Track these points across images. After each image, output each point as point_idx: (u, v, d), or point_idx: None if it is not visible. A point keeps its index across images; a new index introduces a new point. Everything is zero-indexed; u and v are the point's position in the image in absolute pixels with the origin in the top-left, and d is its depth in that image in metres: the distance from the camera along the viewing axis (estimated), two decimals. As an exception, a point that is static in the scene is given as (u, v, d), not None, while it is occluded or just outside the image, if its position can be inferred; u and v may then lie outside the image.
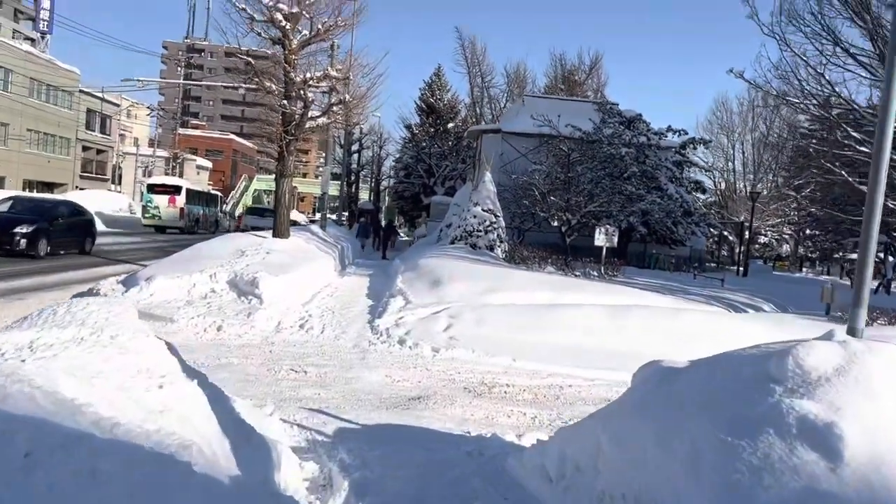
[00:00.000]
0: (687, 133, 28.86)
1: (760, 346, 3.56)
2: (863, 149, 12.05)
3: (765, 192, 41.16)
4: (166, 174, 45.84)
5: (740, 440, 2.69)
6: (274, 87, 15.28)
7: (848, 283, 29.98)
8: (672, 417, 3.16)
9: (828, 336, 3.14)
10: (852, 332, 3.75)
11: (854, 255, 37.50)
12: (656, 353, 8.86)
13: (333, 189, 39.32)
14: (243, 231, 24.97)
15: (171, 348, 3.74)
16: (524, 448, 5.03)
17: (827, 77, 12.43)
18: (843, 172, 12.77)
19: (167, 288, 10.73)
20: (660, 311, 10.71)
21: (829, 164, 13.51)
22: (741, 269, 31.27)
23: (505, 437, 5.44)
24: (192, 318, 9.62)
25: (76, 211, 18.39)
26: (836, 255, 41.29)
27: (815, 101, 12.99)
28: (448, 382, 7.68)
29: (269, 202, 53.96)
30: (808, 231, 40.83)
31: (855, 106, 12.83)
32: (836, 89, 12.41)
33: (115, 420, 2.40)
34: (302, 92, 15.04)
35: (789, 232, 47.28)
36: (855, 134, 12.03)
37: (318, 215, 30.06)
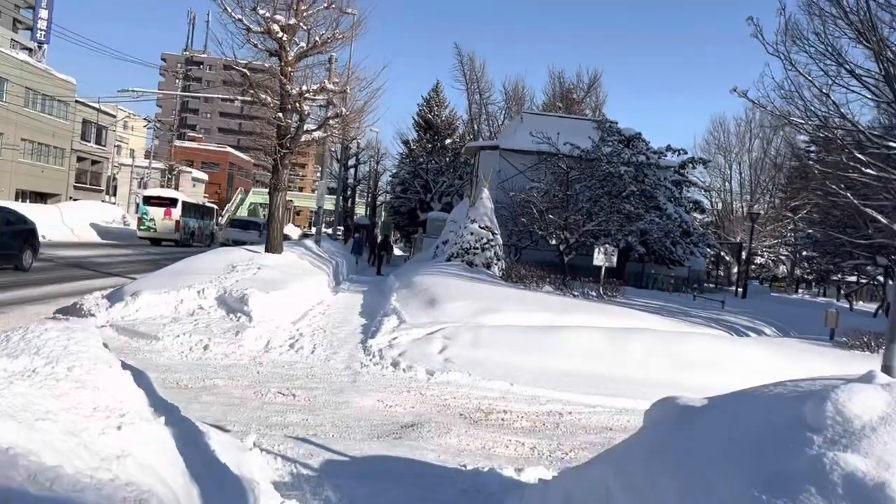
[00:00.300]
0: (686, 153, 28.73)
1: (786, 384, 3.24)
2: (869, 171, 11.81)
3: (762, 213, 40.96)
4: (162, 186, 45.58)
5: (777, 499, 2.36)
6: (269, 99, 15.02)
7: (846, 305, 29.69)
8: (694, 467, 2.83)
9: (867, 378, 2.82)
10: (888, 370, 3.43)
11: (852, 278, 37.27)
12: (660, 380, 8.57)
13: (329, 204, 39.07)
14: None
15: (141, 378, 3.40)
16: (524, 485, 4.69)
17: (832, 98, 12.22)
18: (848, 194, 12.53)
19: (153, 303, 10.39)
20: (662, 336, 10.39)
21: (833, 186, 13.28)
22: (740, 290, 30.99)
23: (503, 472, 5.11)
24: (178, 336, 9.28)
25: (14, 219, 15.45)
26: (834, 278, 41.02)
27: (819, 122, 12.76)
28: (443, 408, 7.34)
29: (264, 215, 53.43)
30: (804, 252, 40.55)
31: (860, 128, 12.61)
32: (842, 111, 12.19)
33: (59, 471, 2.06)
34: (298, 105, 14.79)
35: (786, 253, 47.04)
36: (860, 156, 11.80)
37: (313, 229, 29.84)
